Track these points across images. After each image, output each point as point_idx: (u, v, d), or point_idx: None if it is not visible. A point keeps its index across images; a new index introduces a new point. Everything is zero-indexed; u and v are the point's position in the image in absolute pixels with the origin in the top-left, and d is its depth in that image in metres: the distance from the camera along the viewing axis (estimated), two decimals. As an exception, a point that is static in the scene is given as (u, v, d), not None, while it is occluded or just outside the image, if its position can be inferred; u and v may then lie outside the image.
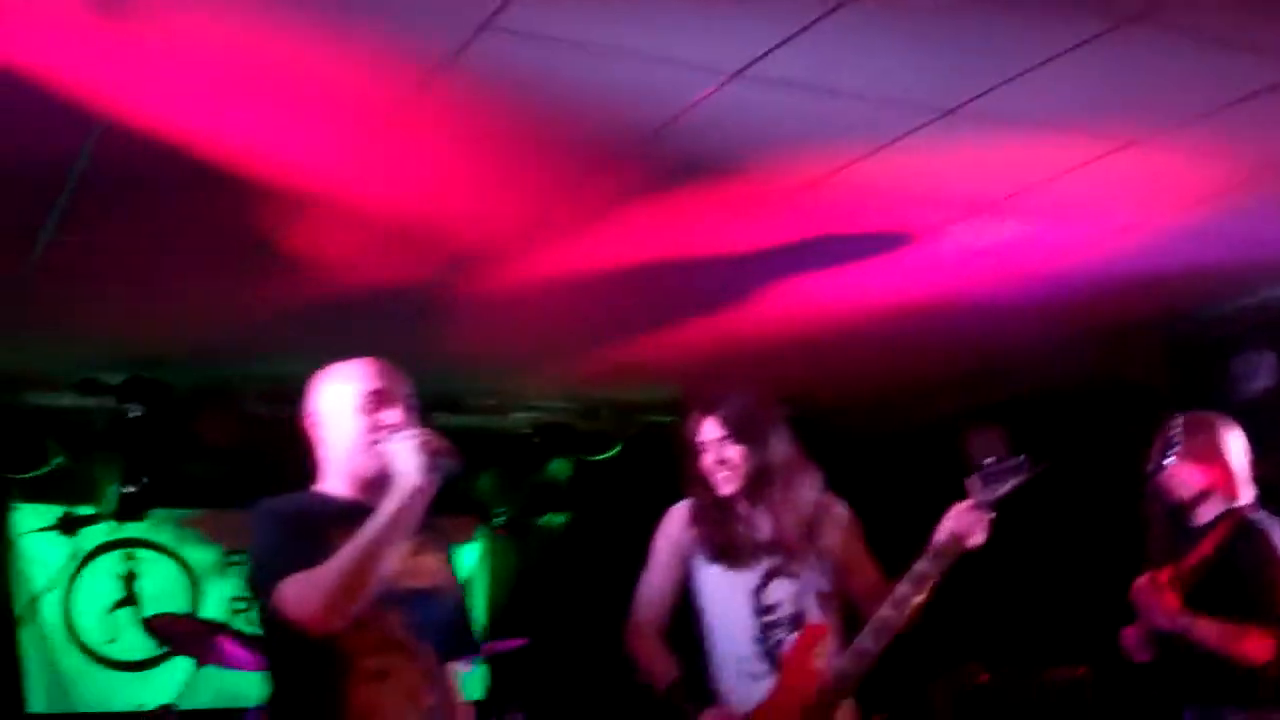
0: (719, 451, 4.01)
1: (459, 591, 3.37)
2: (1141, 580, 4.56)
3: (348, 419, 3.22)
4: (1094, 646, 6.22)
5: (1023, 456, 4.04)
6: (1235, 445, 4.69)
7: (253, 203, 4.79)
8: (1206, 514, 4.64)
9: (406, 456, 3.02)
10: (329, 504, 3.19)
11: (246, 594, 3.08)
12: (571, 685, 7.30)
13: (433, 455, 3.02)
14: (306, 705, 3.03)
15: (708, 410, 4.06)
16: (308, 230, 5.05)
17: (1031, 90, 4.00)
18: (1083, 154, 4.54)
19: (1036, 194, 4.90)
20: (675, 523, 4.14)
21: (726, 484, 4.02)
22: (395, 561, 2.98)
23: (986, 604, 6.84)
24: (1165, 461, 4.59)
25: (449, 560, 3.33)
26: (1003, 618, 7.09)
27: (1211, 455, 4.65)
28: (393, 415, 3.20)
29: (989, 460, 4.05)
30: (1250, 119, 4.26)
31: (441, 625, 3.21)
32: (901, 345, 6.92)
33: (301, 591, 2.90)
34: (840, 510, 4.18)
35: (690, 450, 4.09)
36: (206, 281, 5.65)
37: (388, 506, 2.98)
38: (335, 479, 3.24)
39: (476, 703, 6.64)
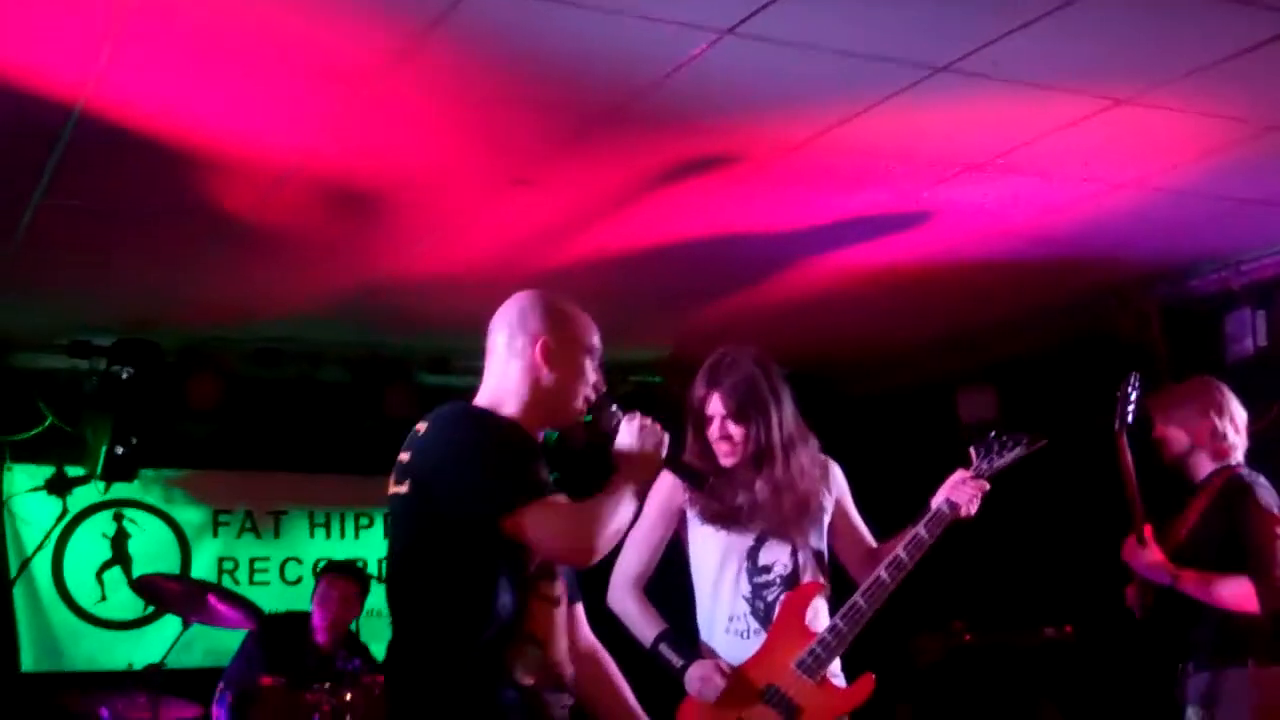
0: (722, 428, 4.02)
1: None
2: (1129, 538, 4.64)
3: (579, 364, 3.17)
4: (1081, 606, 6.26)
5: (1023, 434, 4.07)
6: (1224, 404, 4.75)
7: (239, 170, 4.77)
8: (1199, 472, 4.73)
9: (650, 447, 3.12)
10: (524, 429, 3.13)
11: (417, 498, 2.96)
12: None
13: (659, 446, 3.13)
14: (489, 618, 2.96)
15: (713, 385, 4.05)
16: (294, 194, 5.03)
17: (1021, 48, 3.99)
18: (1073, 112, 4.53)
19: (1028, 153, 4.89)
20: (668, 481, 4.10)
21: (727, 458, 4.04)
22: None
23: (973, 563, 6.87)
24: (1128, 419, 4.66)
25: None
26: (989, 577, 7.11)
27: (1198, 415, 4.72)
28: (601, 379, 3.25)
29: (991, 433, 4.09)
30: (1240, 76, 4.25)
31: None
32: (892, 306, 6.91)
33: (566, 523, 2.95)
34: (835, 472, 4.22)
35: (695, 418, 4.09)
36: (195, 246, 5.63)
37: (625, 489, 3.05)
38: (516, 404, 3.15)
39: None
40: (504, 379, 3.18)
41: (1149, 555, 4.61)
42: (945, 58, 4.09)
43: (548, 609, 3.05)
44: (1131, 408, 4.70)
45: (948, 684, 6.70)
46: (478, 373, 8.48)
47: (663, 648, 3.98)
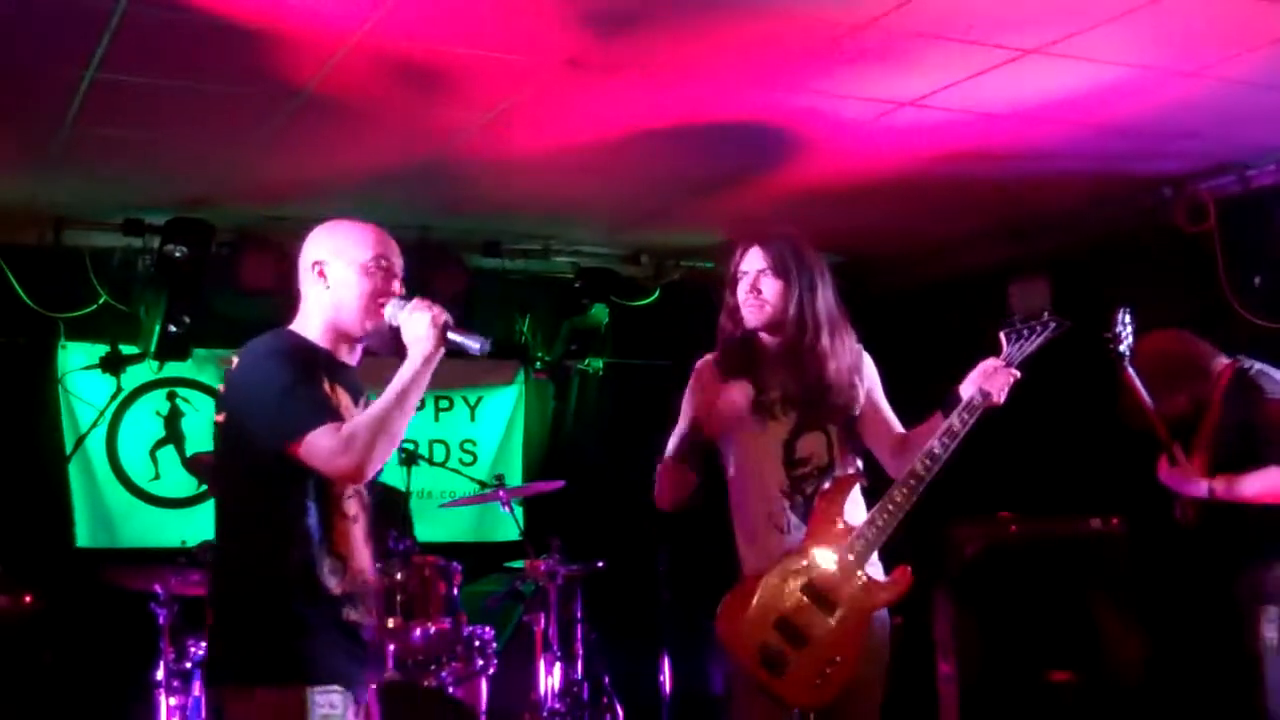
0: (755, 281, 3.98)
1: None
2: (1161, 459, 4.65)
3: (353, 278, 3.43)
4: (1130, 498, 6.25)
5: (1047, 315, 4.02)
6: (1197, 366, 4.84)
7: (295, 44, 4.75)
8: (1214, 369, 4.74)
9: (421, 328, 3.32)
10: (316, 351, 3.41)
11: (232, 427, 3.38)
12: (605, 528, 7.38)
13: (443, 329, 3.32)
14: (299, 538, 3.29)
15: (754, 239, 4.03)
16: (348, 72, 5.01)
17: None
18: (1138, -2, 4.46)
19: (1087, 39, 4.81)
20: (705, 373, 4.11)
21: (754, 316, 4.00)
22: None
23: (1020, 453, 6.86)
24: (1125, 353, 4.63)
25: None
26: (1036, 467, 7.10)
27: (1184, 389, 4.78)
28: (397, 284, 3.45)
29: (1017, 317, 4.04)
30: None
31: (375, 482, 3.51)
32: (948, 194, 6.85)
33: (335, 446, 3.19)
34: (867, 361, 4.18)
35: (728, 281, 4.06)
36: (250, 123, 5.63)
37: (409, 371, 3.30)
38: (315, 327, 3.44)
39: (512, 542, 6.76)
40: (304, 303, 3.48)
41: (1182, 473, 4.63)
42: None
43: (347, 525, 3.37)
44: (1127, 343, 4.65)
45: (990, 575, 6.71)
46: (528, 256, 8.56)
47: (679, 458, 4.03)
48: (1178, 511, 4.83)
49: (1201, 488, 4.62)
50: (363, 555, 3.41)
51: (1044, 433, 6.94)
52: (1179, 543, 5.08)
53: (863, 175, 6.49)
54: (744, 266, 4.03)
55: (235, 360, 3.39)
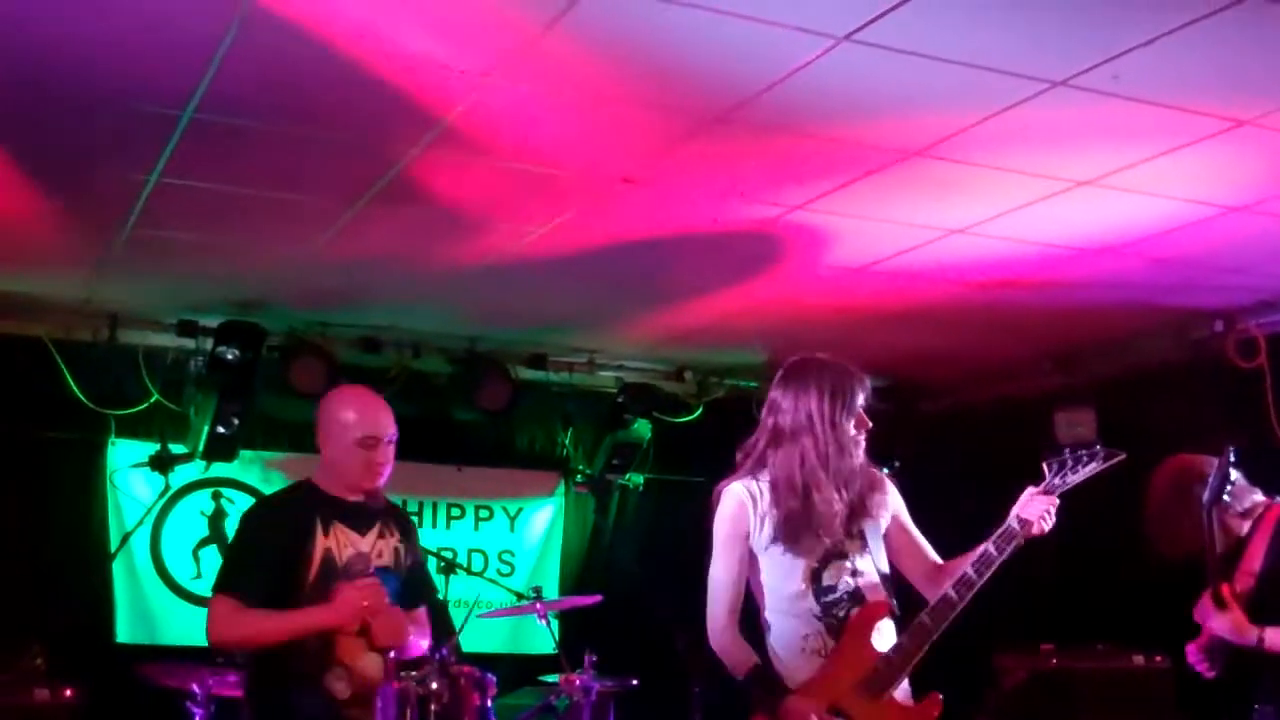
0: (863, 422, 3.95)
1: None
2: (1204, 600, 4.50)
3: (346, 447, 4.18)
4: (1177, 635, 6.15)
5: (1098, 446, 3.96)
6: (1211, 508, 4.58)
7: (353, 157, 4.85)
8: (1242, 501, 4.59)
9: (352, 603, 4.06)
10: (319, 496, 4.21)
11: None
12: (640, 645, 7.32)
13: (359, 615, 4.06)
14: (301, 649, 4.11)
15: (863, 375, 4.02)
16: (406, 184, 5.09)
17: (1143, 65, 3.96)
18: (1192, 131, 4.48)
19: (1142, 171, 4.84)
20: (733, 503, 4.06)
21: (861, 454, 3.97)
22: None
23: (1067, 584, 6.78)
24: (1224, 495, 4.49)
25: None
26: (1082, 599, 7.02)
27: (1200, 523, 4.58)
28: (382, 455, 4.20)
29: (1066, 448, 3.99)
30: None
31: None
32: (996, 321, 6.86)
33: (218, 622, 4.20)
34: (890, 487, 4.11)
35: (843, 412, 3.95)
36: (306, 231, 5.71)
37: (309, 618, 4.09)
38: (329, 479, 4.26)
39: (546, 655, 6.70)
40: None
41: (1230, 618, 4.45)
42: (1063, 72, 4.06)
43: (349, 638, 4.09)
44: (1231, 486, 4.52)
45: (1031, 706, 6.60)
46: (573, 370, 8.55)
47: (753, 683, 3.90)
48: (1196, 655, 4.66)
49: (1251, 636, 4.44)
50: (363, 661, 4.11)
51: (1090, 564, 6.87)
52: (1221, 685, 4.97)
53: (911, 300, 6.51)
54: (861, 401, 3.98)
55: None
